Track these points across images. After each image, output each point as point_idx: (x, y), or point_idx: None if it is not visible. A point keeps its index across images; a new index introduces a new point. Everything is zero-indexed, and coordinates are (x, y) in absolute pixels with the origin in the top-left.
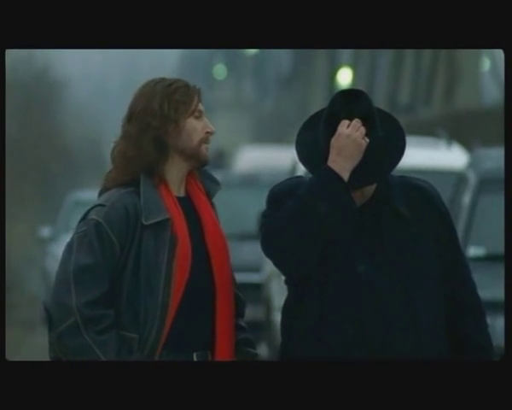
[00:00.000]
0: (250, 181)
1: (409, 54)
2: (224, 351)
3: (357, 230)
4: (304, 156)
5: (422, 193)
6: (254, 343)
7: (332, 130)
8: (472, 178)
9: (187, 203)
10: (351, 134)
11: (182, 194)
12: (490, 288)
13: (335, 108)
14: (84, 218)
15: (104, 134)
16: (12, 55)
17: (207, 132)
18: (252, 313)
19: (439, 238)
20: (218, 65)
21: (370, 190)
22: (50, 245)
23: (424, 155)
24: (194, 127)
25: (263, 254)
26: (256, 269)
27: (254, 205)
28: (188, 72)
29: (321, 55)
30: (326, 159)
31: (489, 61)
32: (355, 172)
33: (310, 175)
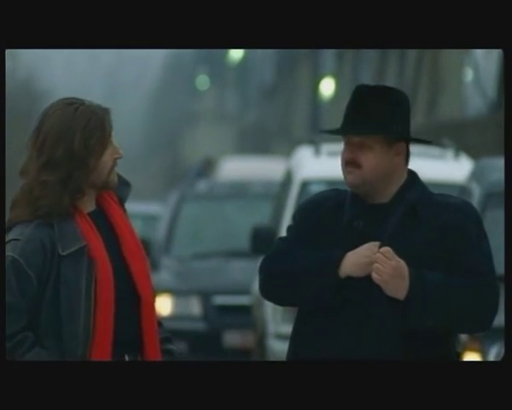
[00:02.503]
0: (239, 192)
1: (392, 63)
2: (152, 353)
3: (362, 233)
4: None
5: (450, 208)
6: (172, 339)
7: None
8: (476, 192)
9: (99, 217)
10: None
11: (93, 207)
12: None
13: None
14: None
15: None
16: None
17: (116, 158)
18: (240, 339)
19: (451, 257)
20: (200, 75)
21: (390, 190)
22: None
23: (430, 166)
24: (105, 161)
25: (253, 275)
26: (245, 291)
27: (244, 218)
28: (170, 82)
29: (303, 66)
30: None
31: (472, 72)
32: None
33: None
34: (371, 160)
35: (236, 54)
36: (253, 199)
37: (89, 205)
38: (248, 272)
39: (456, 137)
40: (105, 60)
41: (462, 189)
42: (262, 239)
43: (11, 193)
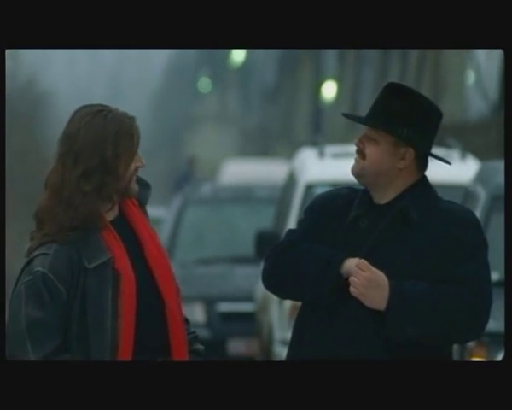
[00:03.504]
0: (244, 196)
1: (393, 66)
2: (180, 358)
3: (359, 233)
4: None
5: (450, 216)
6: (199, 338)
7: None
8: (481, 195)
9: (122, 224)
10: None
11: (115, 214)
12: (500, 320)
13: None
14: (28, 264)
15: None
16: None
17: (138, 167)
18: (245, 347)
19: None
20: (202, 78)
21: (392, 191)
22: None
23: (436, 168)
24: (131, 170)
25: (257, 281)
26: (249, 298)
27: (249, 223)
28: (172, 84)
29: (305, 68)
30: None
31: (474, 74)
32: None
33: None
34: (374, 153)
35: (238, 56)
36: (257, 203)
37: (112, 212)
38: (252, 278)
39: (458, 139)
40: (107, 62)
41: (467, 192)
42: (267, 244)
43: (12, 194)
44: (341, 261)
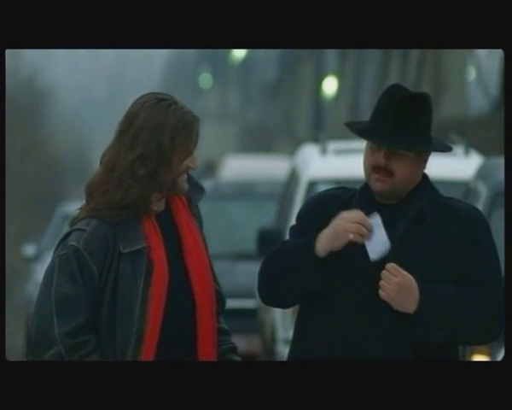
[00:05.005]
0: (245, 192)
1: (394, 62)
2: (205, 359)
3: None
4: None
5: (459, 214)
6: (237, 349)
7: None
8: (483, 191)
9: (166, 218)
10: (343, 224)
11: (161, 208)
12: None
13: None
14: (64, 238)
15: (91, 143)
16: None
17: (189, 167)
18: (246, 344)
19: (457, 260)
20: (203, 74)
21: (401, 191)
22: (34, 265)
23: (439, 164)
24: (184, 167)
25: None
26: (251, 295)
27: (251, 219)
28: (173, 81)
29: (306, 64)
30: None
31: (475, 71)
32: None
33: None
34: (405, 168)
35: (239, 53)
36: (258, 199)
37: (159, 204)
38: (254, 274)
39: (459, 135)
40: (107, 58)
41: (468, 188)
42: (269, 241)
43: (14, 190)
44: (314, 239)
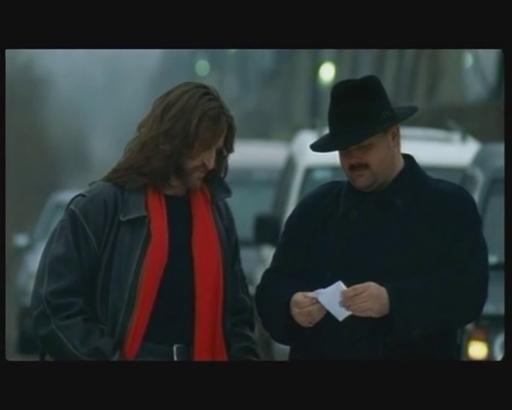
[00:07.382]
0: (242, 178)
1: (391, 50)
2: (200, 350)
3: (349, 221)
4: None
5: (441, 194)
6: (257, 352)
7: None
8: (480, 178)
9: (181, 204)
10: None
11: (180, 193)
12: (499, 302)
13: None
14: (69, 204)
15: (88, 130)
16: None
17: (204, 164)
18: None
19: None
20: (200, 61)
21: (388, 179)
22: (26, 256)
23: (436, 150)
24: (200, 159)
25: (256, 264)
26: (248, 282)
27: (248, 206)
28: (170, 68)
29: (303, 51)
30: None
31: (472, 58)
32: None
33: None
34: (376, 155)
35: None
36: (255, 186)
37: (176, 189)
38: (251, 261)
39: (456, 122)
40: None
41: (466, 175)
42: (266, 228)
43: (14, 179)
44: (288, 302)
